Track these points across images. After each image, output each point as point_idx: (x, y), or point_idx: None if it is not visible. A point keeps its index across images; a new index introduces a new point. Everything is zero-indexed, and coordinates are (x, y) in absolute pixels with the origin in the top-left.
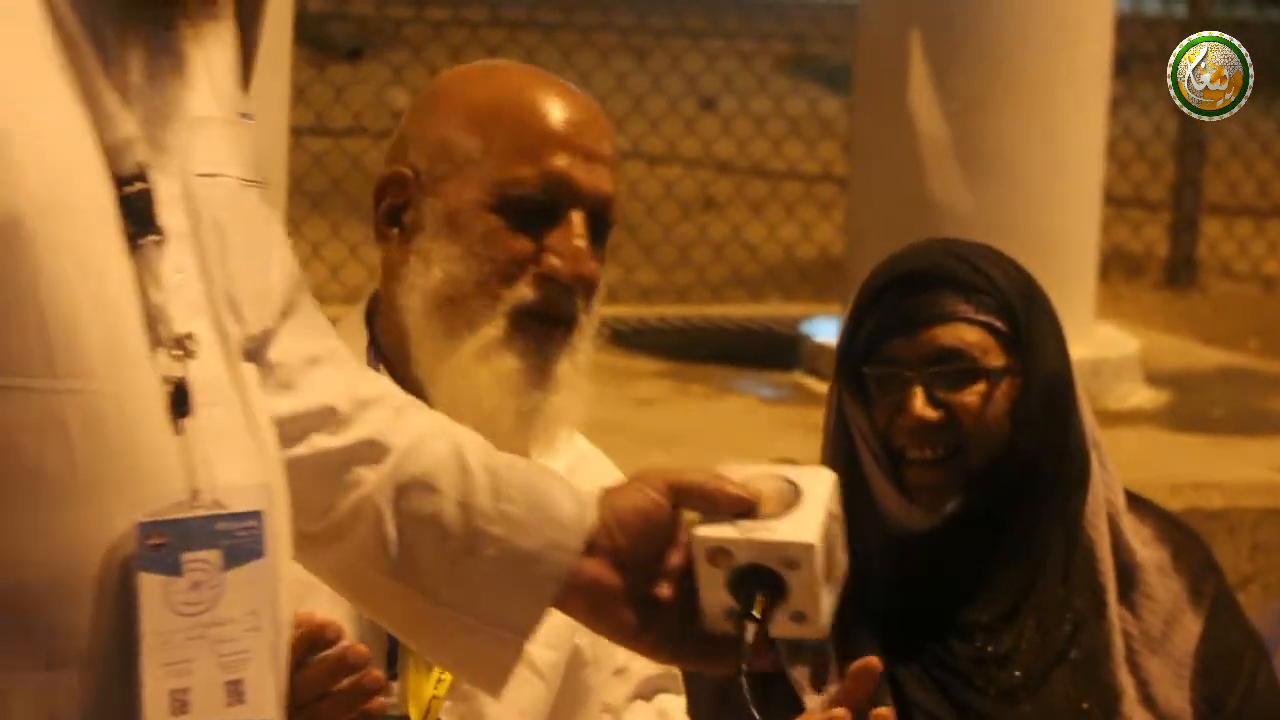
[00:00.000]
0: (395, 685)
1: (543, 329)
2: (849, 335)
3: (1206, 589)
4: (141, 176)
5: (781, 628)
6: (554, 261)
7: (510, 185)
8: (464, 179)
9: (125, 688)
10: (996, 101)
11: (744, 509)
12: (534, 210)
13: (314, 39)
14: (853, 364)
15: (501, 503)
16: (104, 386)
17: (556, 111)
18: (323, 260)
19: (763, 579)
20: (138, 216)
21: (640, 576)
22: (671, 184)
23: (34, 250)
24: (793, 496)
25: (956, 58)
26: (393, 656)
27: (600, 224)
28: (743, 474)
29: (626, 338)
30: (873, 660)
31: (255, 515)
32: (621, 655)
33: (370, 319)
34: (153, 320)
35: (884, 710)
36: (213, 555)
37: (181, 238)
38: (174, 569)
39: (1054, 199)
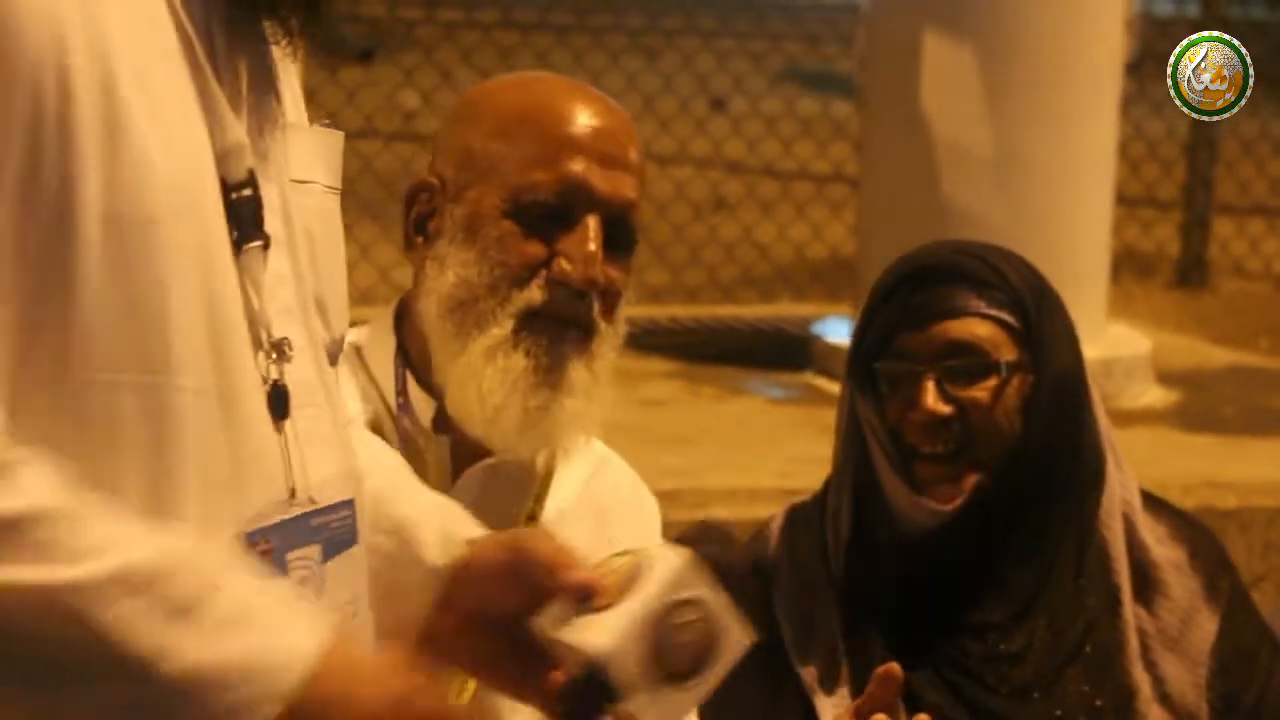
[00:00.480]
0: None
1: (553, 329)
2: (860, 333)
3: (1222, 586)
4: (252, 182)
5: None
6: (564, 265)
7: (526, 190)
8: (486, 185)
9: None
10: (1008, 102)
11: (593, 593)
12: (548, 215)
13: (326, 41)
14: (864, 361)
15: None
16: (214, 386)
17: (579, 118)
18: None
19: (594, 679)
20: (245, 221)
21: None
22: (682, 184)
23: (162, 251)
24: (630, 583)
25: (967, 58)
26: None
27: (620, 230)
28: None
29: (637, 338)
30: (894, 666)
31: (349, 504)
32: None
33: (399, 324)
34: (254, 323)
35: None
36: (313, 550)
37: (279, 243)
38: (281, 570)
39: (1066, 199)
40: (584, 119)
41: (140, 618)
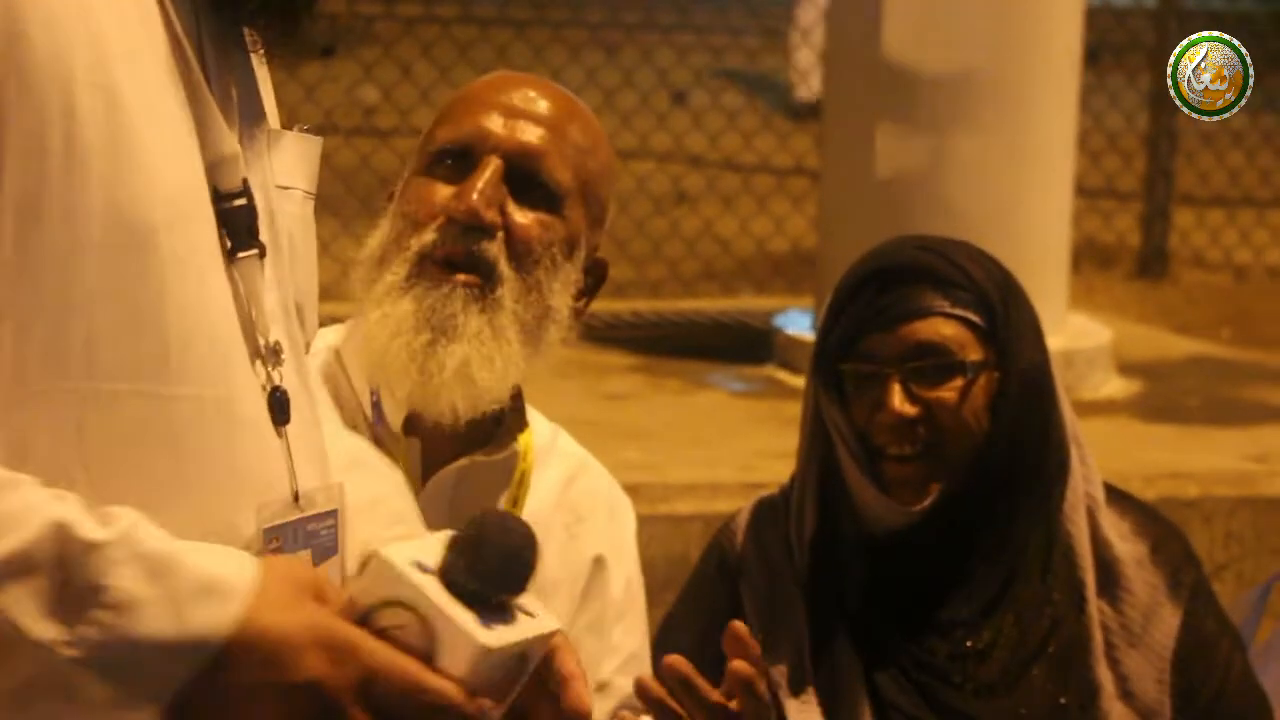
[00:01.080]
0: None
1: (443, 273)
2: (825, 333)
3: (1185, 581)
4: (246, 192)
5: None
6: (454, 202)
7: (436, 144)
8: (414, 161)
9: None
10: (967, 94)
11: None
12: (453, 164)
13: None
14: (829, 361)
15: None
16: (215, 393)
17: (495, 85)
18: None
19: None
20: (239, 230)
21: None
22: (643, 179)
23: (160, 261)
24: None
25: (926, 49)
26: None
27: (530, 180)
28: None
29: (599, 332)
30: (738, 625)
31: (333, 514)
32: (603, 671)
33: None
34: (250, 330)
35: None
36: (306, 556)
37: (267, 250)
38: None
39: (1025, 190)
40: (499, 84)
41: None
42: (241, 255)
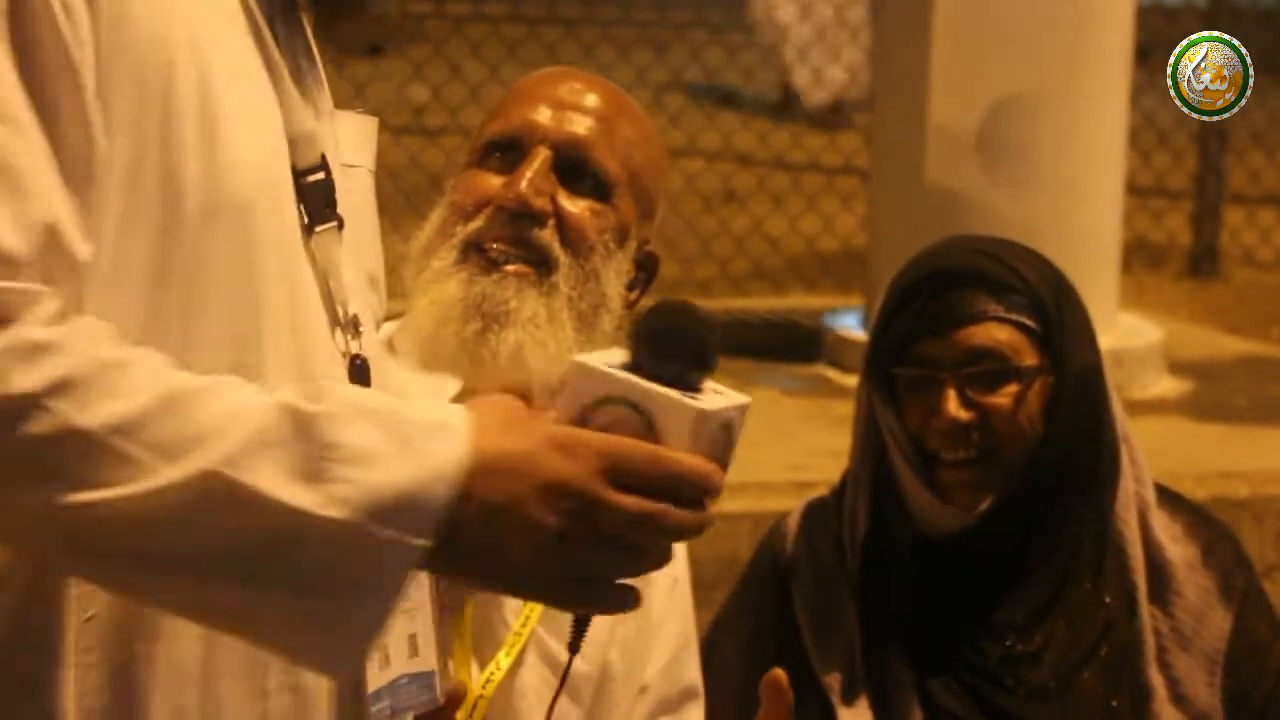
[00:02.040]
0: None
1: (492, 261)
2: (878, 336)
3: (1236, 585)
4: (325, 166)
5: None
6: (503, 190)
7: (485, 138)
8: (467, 154)
9: None
10: (1018, 92)
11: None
12: (502, 155)
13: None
14: (882, 365)
15: None
16: (300, 364)
17: (545, 79)
18: None
19: None
20: (317, 204)
21: None
22: (693, 177)
23: (251, 234)
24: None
25: (977, 49)
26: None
27: (580, 169)
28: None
29: None
30: (778, 673)
31: None
32: (646, 673)
33: None
34: (329, 302)
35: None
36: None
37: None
38: None
39: (1076, 190)
40: (548, 79)
41: (277, 474)
42: (319, 229)
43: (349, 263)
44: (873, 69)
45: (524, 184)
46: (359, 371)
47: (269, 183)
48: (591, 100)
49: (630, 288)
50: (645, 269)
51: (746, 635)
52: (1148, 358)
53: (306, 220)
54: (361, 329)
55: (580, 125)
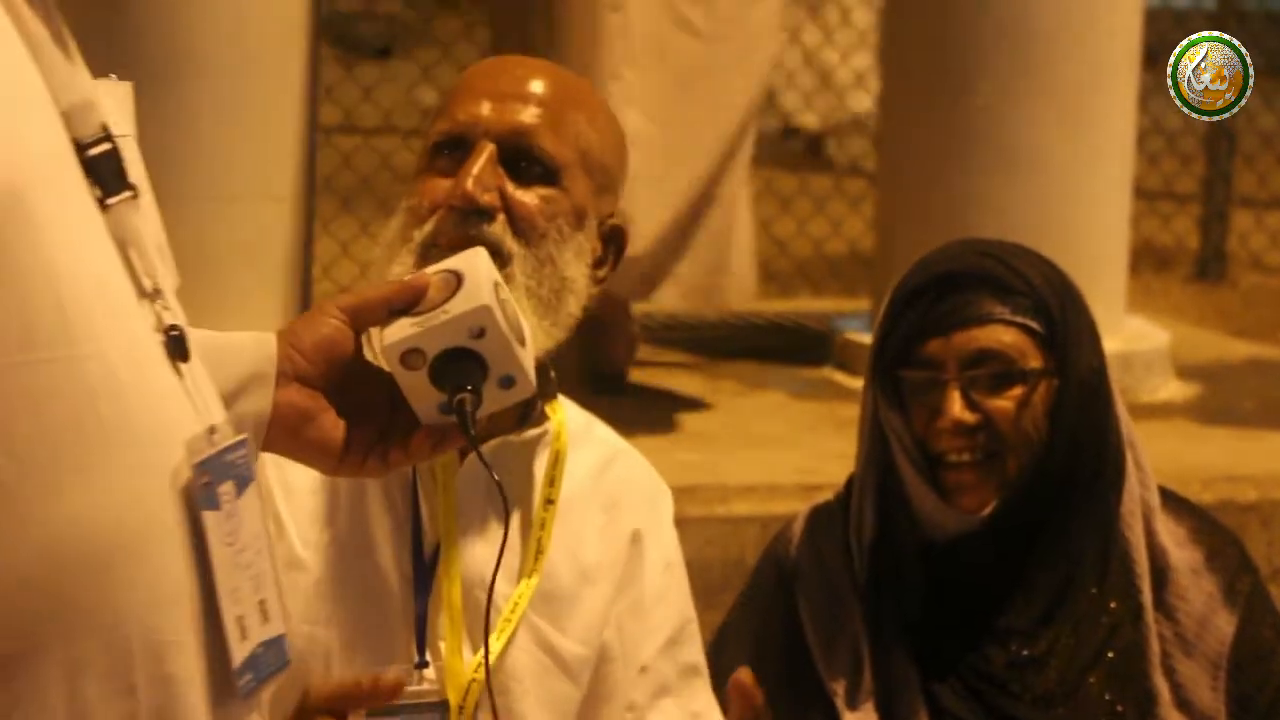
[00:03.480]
0: (429, 671)
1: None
2: (883, 338)
3: (1241, 589)
4: (109, 136)
5: (496, 399)
6: (449, 192)
7: (432, 139)
8: (419, 156)
9: (211, 624)
10: (1026, 95)
11: (415, 297)
12: (449, 153)
13: (343, 38)
14: (887, 367)
15: None
16: (117, 344)
17: (485, 71)
18: (352, 258)
19: (459, 361)
20: (107, 176)
21: (334, 401)
22: None
23: (37, 222)
24: (455, 280)
25: (986, 52)
26: (421, 643)
27: (520, 156)
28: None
29: (657, 334)
30: (743, 673)
31: (243, 443)
32: (645, 653)
33: None
34: (134, 275)
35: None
36: (230, 486)
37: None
38: (217, 504)
39: (1084, 193)
40: (487, 70)
41: None
42: (112, 201)
43: (148, 232)
44: (882, 72)
45: (470, 182)
46: (176, 343)
47: (45, 163)
48: (533, 86)
49: (599, 264)
50: (613, 242)
51: (751, 640)
52: (1155, 361)
53: (100, 194)
54: (166, 296)
55: (522, 114)
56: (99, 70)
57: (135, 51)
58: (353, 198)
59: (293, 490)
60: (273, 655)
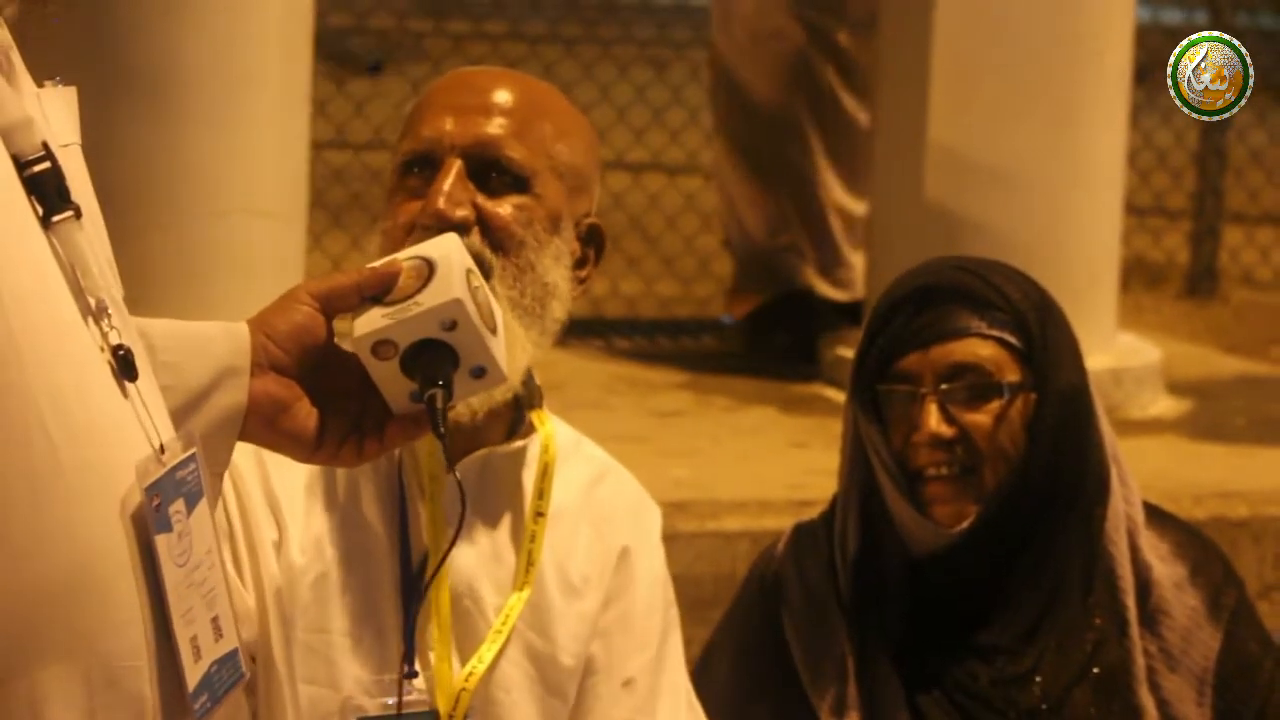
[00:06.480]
0: (418, 681)
1: None
2: (863, 354)
3: (1226, 603)
4: (49, 155)
5: (467, 389)
6: (421, 212)
7: (400, 158)
8: (389, 176)
9: (165, 647)
10: (1018, 113)
11: (386, 284)
12: (419, 171)
13: (335, 53)
14: (866, 382)
15: (157, 355)
16: (65, 366)
17: (446, 86)
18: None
19: (430, 351)
20: (50, 194)
21: (308, 388)
22: (692, 195)
23: None
24: (427, 269)
25: (977, 69)
26: (410, 654)
27: (488, 168)
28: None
29: (647, 350)
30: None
31: (193, 457)
32: (631, 666)
33: None
34: (78, 294)
35: None
36: (180, 504)
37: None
38: (169, 525)
39: (1075, 209)
40: (449, 85)
41: None
42: (56, 219)
43: (93, 250)
44: (873, 89)
45: (441, 200)
46: (123, 363)
47: None
48: (496, 97)
49: (580, 265)
50: (593, 243)
51: (737, 657)
52: (1146, 377)
53: (41, 213)
54: (112, 316)
55: (487, 125)
56: (89, 85)
57: (127, 66)
58: (344, 213)
59: (288, 497)
60: (227, 671)
